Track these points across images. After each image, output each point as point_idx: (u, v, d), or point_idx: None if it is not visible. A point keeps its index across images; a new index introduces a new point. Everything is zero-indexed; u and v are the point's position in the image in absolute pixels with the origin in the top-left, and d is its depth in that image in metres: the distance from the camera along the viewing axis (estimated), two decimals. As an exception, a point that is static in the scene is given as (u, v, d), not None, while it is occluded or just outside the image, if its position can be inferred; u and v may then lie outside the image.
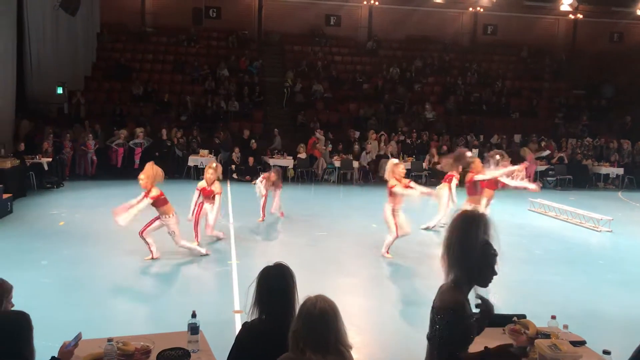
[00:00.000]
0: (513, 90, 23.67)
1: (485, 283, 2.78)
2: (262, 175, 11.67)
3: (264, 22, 24.32)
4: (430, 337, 2.77)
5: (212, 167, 9.37)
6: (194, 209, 9.23)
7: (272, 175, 11.51)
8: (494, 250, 2.76)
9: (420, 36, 25.41)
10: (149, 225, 8.15)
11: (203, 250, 8.62)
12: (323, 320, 2.57)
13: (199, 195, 9.29)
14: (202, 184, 9.34)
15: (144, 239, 8.17)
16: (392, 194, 8.71)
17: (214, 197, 9.22)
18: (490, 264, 2.75)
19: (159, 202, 8.07)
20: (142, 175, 8.04)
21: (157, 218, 8.16)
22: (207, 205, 9.28)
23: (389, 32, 24.90)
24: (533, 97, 23.33)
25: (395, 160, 9.16)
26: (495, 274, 2.78)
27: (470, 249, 2.70)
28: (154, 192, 8.00)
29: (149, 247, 8.21)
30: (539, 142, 19.78)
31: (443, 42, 25.42)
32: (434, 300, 2.86)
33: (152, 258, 8.20)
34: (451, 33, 25.81)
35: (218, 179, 9.32)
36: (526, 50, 25.68)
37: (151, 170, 8.10)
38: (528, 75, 24.75)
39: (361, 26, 25.36)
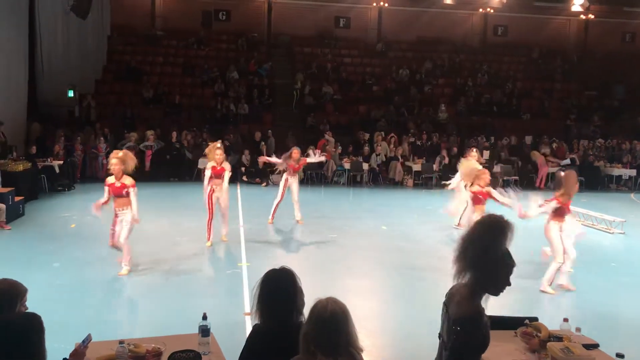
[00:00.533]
0: (524, 92, 23.53)
1: (497, 292, 2.73)
2: (282, 158, 11.30)
3: (274, 25, 24.36)
4: (446, 346, 2.75)
5: (218, 146, 9.19)
6: (207, 189, 9.19)
7: (295, 152, 11.21)
8: (513, 261, 2.71)
9: (430, 37, 25.34)
10: (128, 232, 7.54)
11: (125, 268, 7.60)
12: (334, 322, 2.56)
13: (210, 176, 9.15)
14: (211, 163, 9.20)
15: (119, 248, 7.61)
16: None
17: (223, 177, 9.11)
18: (507, 274, 2.71)
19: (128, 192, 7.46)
20: (114, 160, 7.38)
21: (116, 217, 7.63)
22: (217, 194, 9.19)
23: (399, 33, 24.85)
24: (544, 98, 23.20)
25: (479, 166, 8.69)
26: (509, 284, 2.73)
27: (492, 256, 2.65)
28: (131, 180, 7.46)
29: (126, 256, 7.60)
30: (550, 144, 19.67)
31: (453, 43, 25.33)
32: (448, 305, 2.82)
33: (126, 264, 7.61)
34: (461, 34, 25.73)
35: (227, 160, 9.30)
36: (537, 51, 25.52)
37: (125, 156, 7.51)
38: (539, 76, 24.60)
39: (370, 28, 25.33)
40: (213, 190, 9.20)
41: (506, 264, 2.69)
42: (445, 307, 2.85)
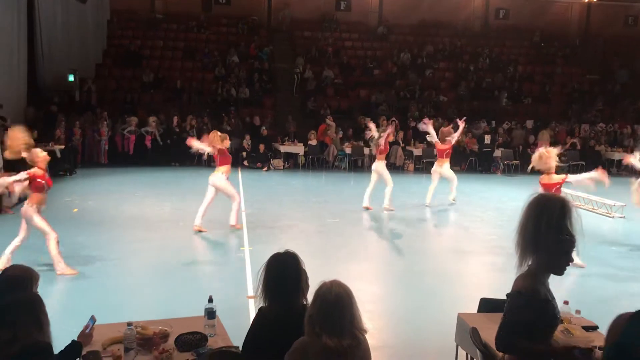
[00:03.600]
0: (525, 76, 23.45)
1: (560, 271, 2.68)
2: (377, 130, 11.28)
3: (274, 8, 24.21)
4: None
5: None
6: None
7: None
8: (570, 235, 2.62)
9: (431, 21, 25.20)
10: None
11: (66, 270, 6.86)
12: (338, 304, 2.62)
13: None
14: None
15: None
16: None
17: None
18: (566, 251, 2.64)
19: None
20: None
21: None
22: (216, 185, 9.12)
23: (400, 17, 24.69)
24: (546, 83, 23.12)
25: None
26: (571, 260, 2.67)
27: (543, 234, 2.59)
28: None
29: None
30: (553, 128, 19.67)
31: (455, 27, 25.19)
32: None
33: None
34: (463, 18, 25.56)
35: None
36: (539, 34, 25.38)
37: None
38: (540, 60, 24.49)
39: (372, 11, 25.17)
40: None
41: (562, 240, 2.60)
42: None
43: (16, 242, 6.88)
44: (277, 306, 3.03)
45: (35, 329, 2.80)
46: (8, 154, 7.02)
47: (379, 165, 11.31)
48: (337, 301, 2.62)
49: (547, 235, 2.59)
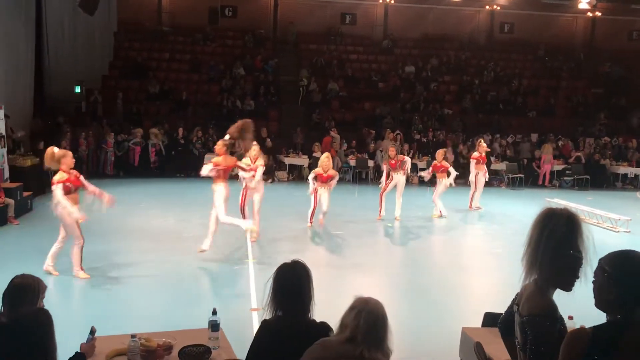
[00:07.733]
0: (530, 89, 23.47)
1: (567, 287, 2.64)
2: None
3: (280, 21, 24.37)
4: (523, 347, 2.62)
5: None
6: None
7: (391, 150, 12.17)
8: (577, 251, 2.61)
9: (436, 35, 25.29)
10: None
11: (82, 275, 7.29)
12: (383, 322, 2.66)
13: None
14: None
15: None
16: None
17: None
18: (572, 267, 2.62)
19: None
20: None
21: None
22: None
23: (405, 30, 24.80)
24: (550, 96, 23.14)
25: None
26: (578, 277, 2.64)
27: (563, 250, 2.57)
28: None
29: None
30: (556, 141, 19.65)
31: (459, 40, 25.26)
32: (519, 304, 2.72)
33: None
34: (468, 31, 25.64)
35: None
36: (543, 48, 25.42)
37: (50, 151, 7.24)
38: (545, 74, 24.52)
39: (377, 25, 25.30)
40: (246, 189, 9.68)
41: (577, 258, 2.60)
42: (517, 307, 2.74)
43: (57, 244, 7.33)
44: (282, 318, 3.02)
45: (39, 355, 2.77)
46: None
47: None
48: (383, 318, 2.66)
49: (553, 250, 2.56)
